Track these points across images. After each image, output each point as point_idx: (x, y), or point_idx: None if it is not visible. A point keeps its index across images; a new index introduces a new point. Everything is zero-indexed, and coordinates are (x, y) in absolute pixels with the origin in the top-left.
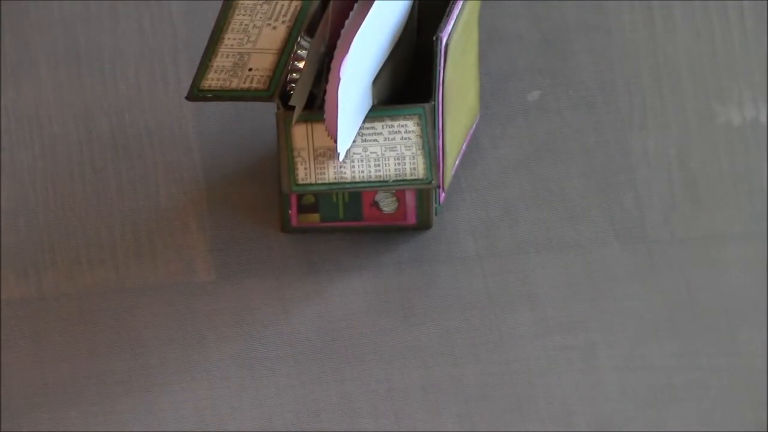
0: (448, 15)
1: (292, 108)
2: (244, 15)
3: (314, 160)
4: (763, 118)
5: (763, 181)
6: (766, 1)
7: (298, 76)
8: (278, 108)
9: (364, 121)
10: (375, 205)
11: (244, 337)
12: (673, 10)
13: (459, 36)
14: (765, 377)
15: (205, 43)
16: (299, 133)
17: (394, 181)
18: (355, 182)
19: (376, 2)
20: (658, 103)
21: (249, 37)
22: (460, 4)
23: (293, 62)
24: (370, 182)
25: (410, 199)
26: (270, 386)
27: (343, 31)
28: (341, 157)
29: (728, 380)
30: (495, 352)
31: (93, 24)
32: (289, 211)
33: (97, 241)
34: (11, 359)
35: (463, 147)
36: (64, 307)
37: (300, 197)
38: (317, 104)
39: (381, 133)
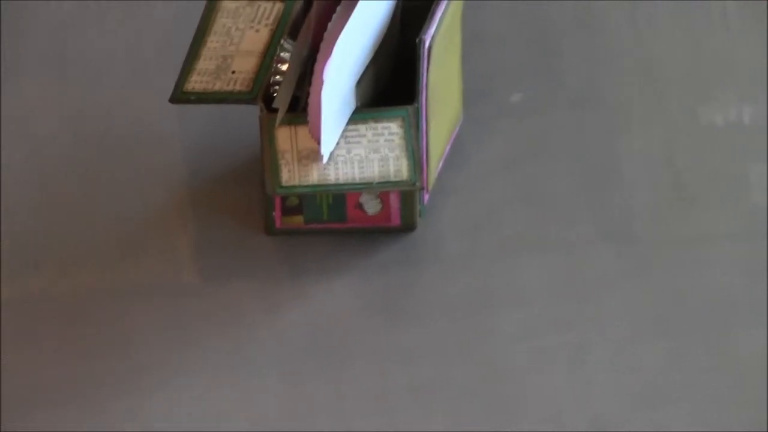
0: (431, 17)
1: (276, 110)
2: (227, 18)
3: (298, 162)
4: (746, 119)
5: (748, 181)
6: (749, 2)
7: (281, 79)
8: (261, 110)
9: (347, 123)
10: (359, 206)
11: (231, 339)
12: (658, 10)
13: (442, 38)
14: (762, 377)
15: None
16: (283, 135)
17: (378, 182)
18: (339, 184)
19: (358, 5)
20: (643, 103)
21: (232, 39)
22: (443, 6)
23: (276, 65)
24: (354, 184)
25: (394, 200)
26: (258, 388)
27: (326, 34)
28: (325, 159)
29: (722, 380)
30: (483, 352)
31: (80, 27)
32: (273, 213)
33: (84, 243)
34: (11, 359)
35: (447, 148)
36: (59, 308)
37: (284, 199)
38: (301, 107)
39: (365, 135)
